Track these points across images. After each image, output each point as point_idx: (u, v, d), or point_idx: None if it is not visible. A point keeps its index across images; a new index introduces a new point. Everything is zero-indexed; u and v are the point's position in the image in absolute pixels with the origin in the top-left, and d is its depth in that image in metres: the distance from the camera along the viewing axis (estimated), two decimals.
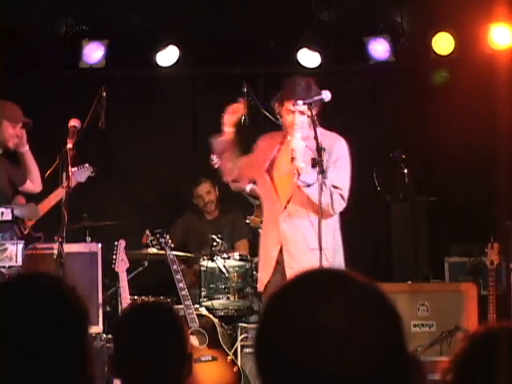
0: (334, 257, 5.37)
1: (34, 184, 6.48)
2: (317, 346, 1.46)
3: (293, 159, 5.20)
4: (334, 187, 5.27)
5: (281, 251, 5.38)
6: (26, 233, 6.24)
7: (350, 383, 1.46)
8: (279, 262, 5.36)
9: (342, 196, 5.30)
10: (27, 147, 6.43)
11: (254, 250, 7.60)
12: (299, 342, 1.47)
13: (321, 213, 5.14)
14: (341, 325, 1.47)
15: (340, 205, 5.32)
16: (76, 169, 6.49)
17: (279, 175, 5.49)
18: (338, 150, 5.37)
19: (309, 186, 5.19)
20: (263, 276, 5.51)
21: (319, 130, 5.30)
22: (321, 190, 5.11)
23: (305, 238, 5.31)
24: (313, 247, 5.23)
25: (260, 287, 5.60)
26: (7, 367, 1.87)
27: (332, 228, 5.39)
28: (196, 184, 8.04)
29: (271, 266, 5.41)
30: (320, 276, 1.59)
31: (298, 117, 5.36)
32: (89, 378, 1.94)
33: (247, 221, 7.33)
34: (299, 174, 5.19)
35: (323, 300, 1.50)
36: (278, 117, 5.52)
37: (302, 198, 5.30)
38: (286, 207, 5.38)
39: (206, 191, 8.00)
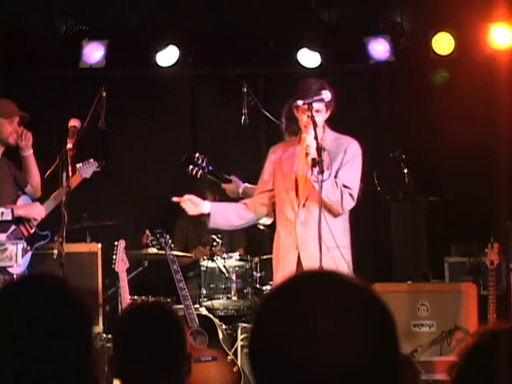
0: (349, 255, 5.47)
1: (33, 189, 6.42)
2: (309, 345, 1.47)
3: (307, 154, 5.27)
4: (345, 186, 5.38)
5: (299, 253, 5.41)
6: (32, 232, 6.23)
7: (341, 383, 1.46)
8: (300, 264, 5.39)
9: (351, 195, 5.41)
10: (31, 151, 6.35)
11: (251, 251, 7.60)
12: (292, 341, 1.48)
13: (320, 209, 5.17)
14: (332, 325, 1.48)
15: (349, 204, 5.42)
16: (81, 164, 6.48)
17: (301, 174, 5.53)
18: (353, 150, 5.50)
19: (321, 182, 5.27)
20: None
21: (335, 134, 5.53)
22: (320, 188, 5.14)
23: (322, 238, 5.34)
24: (330, 246, 5.30)
25: None
26: (8, 367, 1.88)
27: (346, 226, 5.49)
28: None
29: (292, 269, 5.38)
30: (312, 277, 1.59)
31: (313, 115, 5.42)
32: (93, 379, 1.94)
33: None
34: (312, 170, 5.23)
35: (315, 300, 1.51)
36: (299, 118, 5.50)
37: (316, 197, 5.35)
38: (304, 205, 5.44)
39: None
